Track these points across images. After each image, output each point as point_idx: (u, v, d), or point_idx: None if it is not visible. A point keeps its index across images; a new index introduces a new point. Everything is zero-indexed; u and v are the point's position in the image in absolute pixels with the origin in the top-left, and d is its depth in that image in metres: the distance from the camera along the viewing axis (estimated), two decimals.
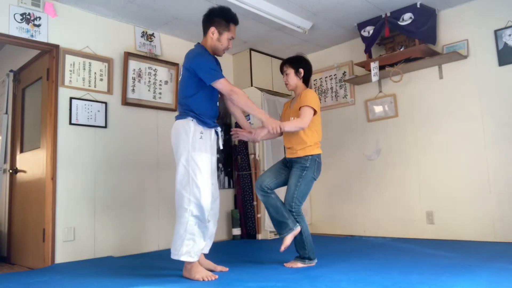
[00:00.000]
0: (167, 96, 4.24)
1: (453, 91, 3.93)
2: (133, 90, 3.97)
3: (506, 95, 3.63)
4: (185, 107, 2.62)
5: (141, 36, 4.13)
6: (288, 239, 2.76)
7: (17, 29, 3.32)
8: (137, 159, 3.95)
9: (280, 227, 2.80)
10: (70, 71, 3.59)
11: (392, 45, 4.19)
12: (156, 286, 2.39)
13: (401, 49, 4.04)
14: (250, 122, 4.58)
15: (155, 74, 4.15)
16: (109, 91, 3.82)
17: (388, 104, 4.36)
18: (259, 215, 4.51)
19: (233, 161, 4.81)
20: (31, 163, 3.76)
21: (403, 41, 4.08)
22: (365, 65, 4.30)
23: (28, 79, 4.01)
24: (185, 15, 3.93)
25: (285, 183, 2.94)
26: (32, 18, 3.41)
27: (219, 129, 2.75)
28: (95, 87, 3.73)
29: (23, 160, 3.97)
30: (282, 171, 2.96)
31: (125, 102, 3.89)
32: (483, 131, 3.73)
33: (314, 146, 2.87)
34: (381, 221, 4.33)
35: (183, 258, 2.48)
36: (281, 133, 2.98)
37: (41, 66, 3.72)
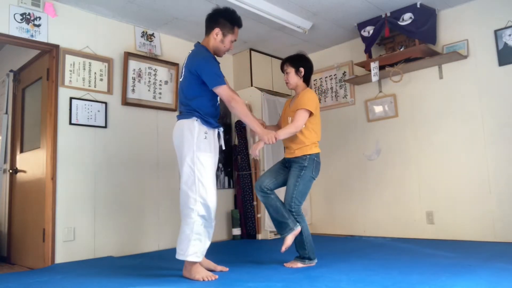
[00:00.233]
0: (167, 96, 4.24)
1: (453, 91, 3.93)
2: (133, 90, 3.97)
3: (506, 95, 3.63)
4: (188, 107, 2.62)
5: (141, 36, 4.13)
6: (289, 239, 2.77)
7: (17, 29, 3.32)
8: (137, 159, 3.95)
9: (281, 227, 2.81)
10: (70, 71, 3.59)
11: (392, 45, 4.19)
12: (156, 286, 2.39)
13: (401, 49, 4.04)
14: None
15: (155, 74, 4.15)
16: (109, 91, 3.82)
17: (388, 104, 4.36)
18: (259, 215, 4.51)
19: (233, 161, 4.81)
20: (31, 163, 3.76)
21: (403, 41, 4.08)
22: (365, 65, 4.30)
23: (28, 79, 4.01)
24: (185, 15, 3.93)
25: (284, 183, 2.94)
26: (32, 18, 3.41)
27: (221, 129, 2.76)
28: (95, 87, 3.73)
29: (23, 160, 3.97)
30: (281, 172, 2.96)
31: (125, 102, 3.89)
32: (483, 131, 3.73)
33: (312, 146, 2.87)
34: (381, 221, 4.33)
35: (189, 259, 2.48)
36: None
37: (41, 66, 3.72)
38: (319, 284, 2.27)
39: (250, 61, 4.87)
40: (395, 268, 2.64)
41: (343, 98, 4.76)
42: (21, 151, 4.04)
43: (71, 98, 3.56)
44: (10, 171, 4.07)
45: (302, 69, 2.96)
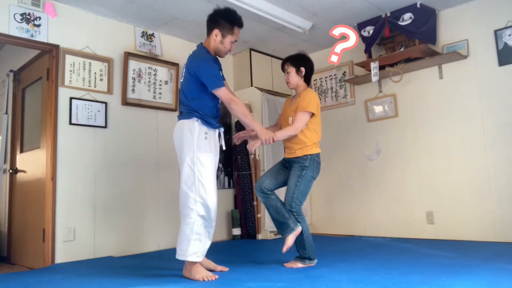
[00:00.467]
0: (167, 96, 4.24)
1: (453, 91, 3.93)
2: (133, 90, 3.97)
3: (506, 95, 3.63)
4: (189, 107, 2.62)
5: (141, 36, 4.13)
6: (290, 240, 2.77)
7: (17, 29, 3.32)
8: (137, 159, 3.95)
9: (282, 227, 2.81)
10: (70, 71, 3.59)
11: (392, 45, 4.19)
12: (156, 286, 2.39)
13: (401, 49, 4.04)
14: None
15: (155, 74, 4.15)
16: (109, 91, 3.82)
17: (388, 104, 4.36)
18: (259, 215, 4.51)
19: (233, 161, 4.81)
20: (31, 163, 3.76)
21: (403, 41, 4.08)
22: (365, 65, 4.30)
23: (28, 79, 4.01)
24: (185, 15, 3.93)
25: (284, 183, 2.94)
26: (32, 18, 3.41)
27: (222, 129, 2.76)
28: (95, 87, 3.73)
29: (23, 160, 3.97)
30: (281, 172, 2.96)
31: (125, 102, 3.89)
32: (483, 131, 3.73)
33: (313, 146, 2.87)
34: (381, 221, 4.33)
35: (190, 259, 2.48)
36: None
37: (41, 66, 3.72)
38: (319, 284, 2.27)
39: (250, 61, 4.87)
40: (395, 268, 2.64)
41: (343, 98, 4.76)
42: (21, 151, 4.04)
43: (71, 98, 3.56)
44: (10, 171, 4.07)
45: (303, 69, 2.96)
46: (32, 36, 3.40)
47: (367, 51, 4.27)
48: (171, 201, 4.08)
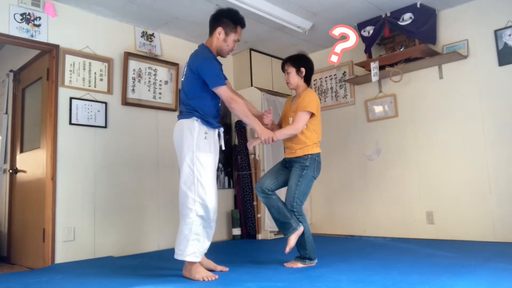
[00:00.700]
0: (167, 96, 4.24)
1: (453, 91, 3.93)
2: (133, 90, 3.97)
3: (506, 95, 3.63)
4: (189, 107, 2.62)
5: (141, 36, 4.13)
6: (293, 240, 2.76)
7: (17, 29, 3.32)
8: (137, 159, 3.95)
9: (284, 227, 2.81)
10: (70, 71, 3.59)
11: (392, 45, 4.19)
12: (156, 286, 2.39)
13: (401, 49, 4.04)
14: None
15: (155, 74, 4.15)
16: (109, 91, 3.82)
17: (388, 104, 4.36)
18: (259, 215, 4.51)
19: (233, 161, 4.81)
20: (31, 163, 3.76)
21: (403, 41, 4.08)
22: (365, 65, 4.30)
23: (28, 79, 4.01)
24: (185, 15, 3.93)
25: (285, 183, 2.94)
26: (32, 18, 3.41)
27: (222, 129, 2.76)
28: (95, 87, 3.73)
29: (23, 160, 3.97)
30: (282, 172, 2.96)
31: (125, 102, 3.89)
32: (483, 131, 3.73)
33: (314, 146, 2.87)
34: (381, 221, 4.33)
35: (188, 259, 2.48)
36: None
37: (41, 66, 3.72)
38: (319, 284, 2.27)
39: (250, 61, 4.87)
40: (395, 268, 2.64)
41: (343, 98, 4.76)
42: (21, 151, 4.04)
43: (71, 98, 3.56)
44: (10, 171, 4.07)
45: (303, 69, 2.96)
46: (32, 36, 3.40)
47: (367, 51, 4.27)
48: (171, 201, 4.08)
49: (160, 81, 4.19)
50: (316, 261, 2.86)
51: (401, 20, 3.91)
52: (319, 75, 4.96)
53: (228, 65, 4.96)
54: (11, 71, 4.24)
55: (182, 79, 2.74)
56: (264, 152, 4.57)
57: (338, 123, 4.78)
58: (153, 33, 4.23)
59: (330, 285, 2.24)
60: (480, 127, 3.75)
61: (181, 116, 2.66)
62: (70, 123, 3.55)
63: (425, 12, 3.90)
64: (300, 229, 2.77)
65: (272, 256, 3.30)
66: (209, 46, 2.71)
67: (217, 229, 2.82)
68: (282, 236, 4.59)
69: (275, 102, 4.79)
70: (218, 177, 4.59)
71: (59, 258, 3.35)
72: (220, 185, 4.63)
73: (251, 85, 4.79)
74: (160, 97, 4.18)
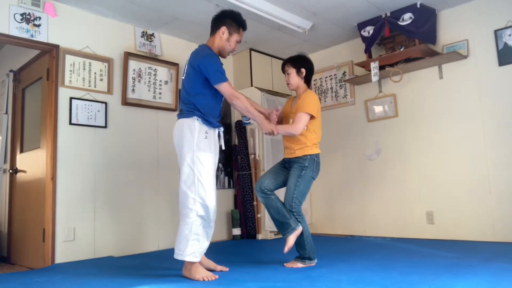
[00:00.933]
0: (167, 96, 4.24)
1: (453, 91, 3.93)
2: (133, 90, 3.97)
3: (506, 95, 3.63)
4: (190, 105, 2.62)
5: (141, 36, 4.13)
6: (291, 240, 2.77)
7: (17, 29, 3.32)
8: (137, 159, 3.95)
9: (282, 227, 2.81)
10: (70, 71, 3.59)
11: (392, 45, 4.19)
12: (156, 286, 2.39)
13: (401, 49, 4.04)
14: (250, 122, 4.60)
15: (155, 74, 4.15)
16: (109, 91, 3.82)
17: (388, 104, 4.36)
18: (259, 215, 4.51)
19: (233, 161, 4.81)
20: (31, 163, 3.76)
21: (403, 41, 4.08)
22: (365, 65, 4.30)
23: (28, 79, 4.01)
24: (185, 15, 3.93)
25: (284, 184, 2.94)
26: (32, 18, 3.41)
27: (222, 129, 2.76)
28: (95, 87, 3.73)
29: (23, 160, 3.97)
30: (281, 172, 2.97)
31: (125, 102, 3.89)
32: (483, 131, 3.73)
33: (313, 146, 2.88)
34: (381, 221, 4.33)
35: (187, 259, 2.48)
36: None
37: (41, 66, 3.72)
38: (319, 284, 2.27)
39: (250, 61, 4.87)
40: (395, 268, 2.64)
41: (343, 98, 4.76)
42: (21, 151, 4.04)
43: (71, 98, 3.56)
44: (10, 171, 4.07)
45: (303, 70, 2.97)
46: (32, 36, 3.40)
47: (367, 51, 4.27)
48: (171, 201, 4.08)
49: (160, 81, 4.19)
50: (316, 261, 2.86)
51: (401, 20, 3.91)
52: (319, 75, 4.96)
53: (228, 65, 4.96)
54: (11, 71, 4.24)
55: (183, 77, 2.74)
56: (264, 152, 4.57)
57: (338, 123, 4.78)
58: (153, 33, 4.23)
59: (330, 285, 2.23)
60: (480, 127, 3.75)
61: (181, 115, 2.65)
62: (70, 123, 3.55)
63: (425, 12, 3.90)
64: (299, 229, 2.77)
65: (272, 256, 3.30)
66: (211, 46, 2.72)
67: (217, 229, 2.83)
68: (282, 236, 4.60)
69: (275, 102, 4.79)
70: (218, 177, 4.59)
71: (59, 258, 3.35)
72: (220, 185, 4.63)
73: (251, 85, 4.79)
74: (160, 97, 4.18)
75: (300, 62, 2.99)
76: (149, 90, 4.10)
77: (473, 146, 3.77)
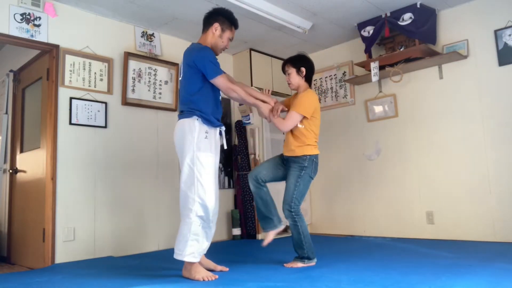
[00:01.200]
0: (167, 96, 4.24)
1: (453, 91, 3.93)
2: (133, 90, 3.97)
3: (506, 95, 3.63)
4: (189, 105, 2.62)
5: (141, 36, 4.13)
6: (271, 235, 2.85)
7: (17, 29, 3.32)
8: (137, 159, 3.95)
9: (265, 222, 2.87)
10: (70, 71, 3.59)
11: (392, 45, 4.19)
12: (156, 286, 2.39)
13: (401, 49, 4.04)
14: (250, 122, 4.61)
15: (155, 74, 4.15)
16: (109, 91, 3.82)
17: (388, 104, 4.36)
18: None
19: (233, 161, 4.81)
20: (31, 163, 3.76)
21: (403, 41, 4.08)
22: (365, 65, 4.30)
23: (28, 79, 4.01)
24: (185, 15, 3.93)
25: (280, 179, 2.99)
26: (32, 18, 3.41)
27: (223, 128, 2.76)
28: (95, 87, 3.73)
29: (23, 160, 3.97)
30: (280, 167, 2.98)
31: (125, 102, 3.89)
32: (483, 131, 3.73)
33: (312, 146, 2.88)
34: (381, 221, 4.33)
35: (186, 259, 2.49)
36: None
37: (41, 66, 3.72)
38: (319, 284, 2.27)
39: (250, 61, 4.87)
40: (395, 268, 2.64)
41: (343, 98, 4.76)
42: (21, 151, 4.04)
43: (71, 98, 3.56)
44: (10, 171, 4.07)
45: (303, 69, 2.97)
46: (32, 36, 3.40)
47: (367, 51, 4.27)
48: (171, 201, 4.08)
49: (160, 81, 4.19)
50: (315, 260, 2.86)
51: (401, 20, 3.91)
52: (319, 75, 4.96)
53: (228, 65, 4.96)
54: (11, 71, 4.24)
55: (180, 78, 2.74)
56: (264, 152, 4.57)
57: (338, 123, 4.78)
58: (153, 33, 4.23)
59: (330, 285, 2.24)
60: (480, 127, 3.75)
61: (182, 115, 2.65)
62: (70, 123, 3.55)
63: (425, 12, 3.90)
64: (280, 227, 2.85)
65: (272, 256, 3.29)
66: (203, 43, 2.72)
67: (217, 229, 2.82)
68: (282, 236, 4.60)
69: None
70: (218, 177, 4.59)
71: (59, 258, 3.35)
72: (220, 185, 4.62)
73: (251, 85, 4.78)
74: (160, 97, 4.18)
75: (300, 62, 2.99)
76: (149, 90, 4.10)
77: (473, 146, 3.77)
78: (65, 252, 3.38)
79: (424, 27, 3.87)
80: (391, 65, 4.09)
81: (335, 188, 4.77)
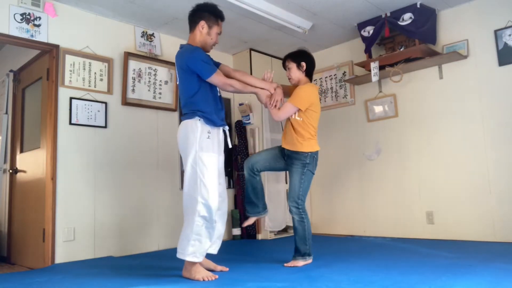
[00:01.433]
0: (167, 96, 4.24)
1: (453, 91, 3.93)
2: (133, 90, 3.97)
3: (506, 95, 3.63)
4: (191, 107, 2.62)
5: (141, 36, 4.13)
6: (252, 220, 3.00)
7: (17, 29, 3.32)
8: (137, 159, 3.95)
9: (251, 207, 2.96)
10: (70, 71, 3.59)
11: (392, 45, 4.19)
12: (156, 286, 2.39)
13: (401, 49, 4.04)
14: (250, 122, 4.61)
15: (155, 74, 4.15)
16: (109, 91, 3.82)
17: (388, 104, 4.35)
18: None
19: (233, 161, 4.81)
20: (31, 163, 3.76)
21: (403, 41, 4.08)
22: (365, 65, 4.30)
23: (28, 79, 4.01)
24: (185, 15, 3.85)
25: (278, 170, 3.07)
26: (32, 18, 3.41)
27: (227, 128, 2.76)
28: (95, 87, 3.73)
29: (23, 160, 3.97)
30: (279, 160, 3.00)
31: (125, 102, 3.89)
32: (483, 131, 3.73)
33: (312, 142, 2.90)
34: (381, 221, 4.33)
35: (188, 258, 2.49)
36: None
37: (41, 66, 3.72)
38: (319, 284, 2.27)
39: (250, 61, 4.87)
40: (395, 268, 2.64)
41: (343, 98, 4.76)
42: (21, 151, 4.04)
43: (71, 98, 3.56)
44: (10, 171, 4.07)
45: (303, 64, 2.98)
46: (32, 36, 3.40)
47: (367, 51, 4.27)
48: (171, 201, 4.08)
49: (160, 81, 4.19)
50: (312, 257, 2.89)
51: (401, 20, 3.91)
52: (319, 75, 4.96)
53: (228, 65, 4.94)
54: (11, 71, 4.24)
55: (178, 83, 2.74)
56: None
57: (338, 123, 4.78)
58: (153, 33, 4.23)
59: (329, 285, 2.24)
60: (480, 127, 3.75)
61: (184, 117, 2.66)
62: (70, 123, 3.55)
63: (425, 12, 3.90)
64: (264, 215, 2.98)
65: (272, 256, 3.30)
66: (192, 43, 2.72)
67: None
68: (282, 236, 4.60)
69: None
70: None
71: (59, 258, 3.35)
72: None
73: None
74: (160, 97, 4.18)
75: (300, 56, 3.01)
76: (149, 90, 4.10)
77: (473, 146, 3.77)
78: (65, 252, 3.38)
79: (424, 27, 3.87)
80: (391, 65, 4.08)
81: (335, 188, 4.77)
